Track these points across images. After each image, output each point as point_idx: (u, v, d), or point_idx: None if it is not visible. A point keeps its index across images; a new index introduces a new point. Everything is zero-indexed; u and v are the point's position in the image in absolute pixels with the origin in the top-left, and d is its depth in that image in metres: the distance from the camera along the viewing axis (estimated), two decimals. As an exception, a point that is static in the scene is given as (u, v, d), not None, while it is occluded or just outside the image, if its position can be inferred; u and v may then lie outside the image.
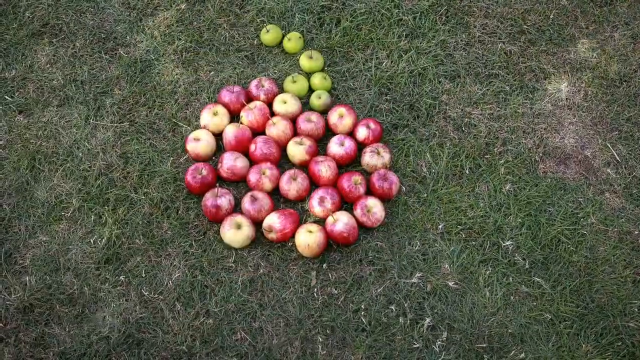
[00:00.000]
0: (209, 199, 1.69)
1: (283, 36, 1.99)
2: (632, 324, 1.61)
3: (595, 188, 1.78)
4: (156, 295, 1.63)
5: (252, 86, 1.87)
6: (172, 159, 1.81)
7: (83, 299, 1.63)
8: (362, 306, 1.62)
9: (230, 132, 1.78)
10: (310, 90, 1.92)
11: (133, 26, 2.02)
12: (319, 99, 1.87)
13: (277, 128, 1.78)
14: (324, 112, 1.88)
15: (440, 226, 1.72)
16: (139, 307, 1.62)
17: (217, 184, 1.73)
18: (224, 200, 1.69)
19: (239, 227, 1.66)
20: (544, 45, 2.00)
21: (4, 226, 1.72)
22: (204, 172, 1.73)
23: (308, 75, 1.94)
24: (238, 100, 1.84)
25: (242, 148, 1.79)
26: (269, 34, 1.97)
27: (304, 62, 1.93)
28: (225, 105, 1.85)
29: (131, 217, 1.72)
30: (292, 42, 1.96)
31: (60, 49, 1.99)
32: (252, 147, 1.77)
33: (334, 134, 1.83)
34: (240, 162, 1.75)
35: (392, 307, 1.62)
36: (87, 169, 1.79)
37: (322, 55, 1.96)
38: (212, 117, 1.82)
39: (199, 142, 1.78)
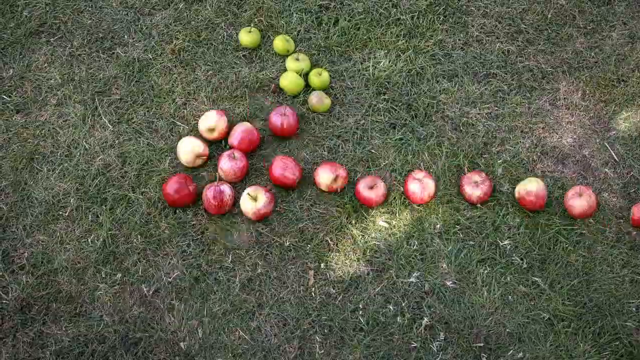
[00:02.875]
0: (209, 189, 1.69)
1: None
2: (630, 323, 1.61)
3: (593, 187, 1.78)
4: (154, 295, 1.63)
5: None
6: (169, 158, 1.81)
7: (80, 298, 1.62)
8: (360, 306, 1.62)
9: (237, 132, 1.79)
10: (309, 87, 1.92)
11: (131, 25, 2.02)
12: (316, 97, 1.87)
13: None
14: (323, 111, 1.88)
15: (438, 225, 1.72)
16: (137, 307, 1.62)
17: (217, 174, 1.73)
18: (226, 186, 1.70)
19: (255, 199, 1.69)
20: (542, 45, 2.00)
21: (1, 225, 1.71)
22: (191, 188, 1.72)
23: None
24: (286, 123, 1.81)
25: (247, 148, 1.79)
26: (250, 35, 1.95)
27: (291, 64, 1.92)
28: (274, 130, 1.82)
29: (129, 217, 1.72)
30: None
31: (57, 48, 1.98)
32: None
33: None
34: (238, 163, 1.75)
35: (390, 307, 1.62)
36: (84, 169, 1.79)
37: (308, 57, 1.94)
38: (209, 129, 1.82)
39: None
